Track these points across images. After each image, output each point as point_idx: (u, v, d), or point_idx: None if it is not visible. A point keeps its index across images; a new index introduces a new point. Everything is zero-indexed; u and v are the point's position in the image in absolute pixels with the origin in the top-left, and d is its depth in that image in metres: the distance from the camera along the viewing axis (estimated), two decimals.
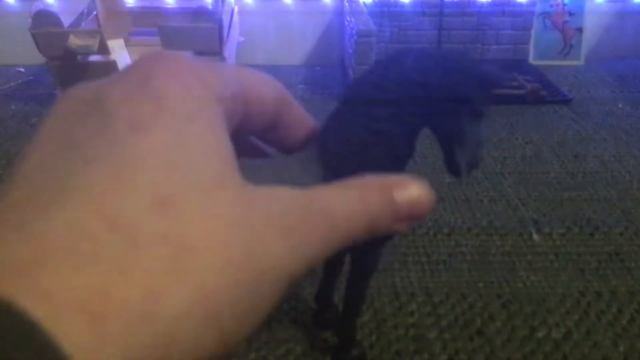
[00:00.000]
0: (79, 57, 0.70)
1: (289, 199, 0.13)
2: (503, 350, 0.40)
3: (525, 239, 0.52)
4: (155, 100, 0.12)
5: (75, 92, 0.13)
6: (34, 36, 0.68)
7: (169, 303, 0.10)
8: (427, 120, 0.23)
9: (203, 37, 0.71)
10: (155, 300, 0.10)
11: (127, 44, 0.84)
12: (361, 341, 0.40)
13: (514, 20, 0.91)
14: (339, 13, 0.95)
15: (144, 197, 0.11)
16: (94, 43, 0.68)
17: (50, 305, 0.09)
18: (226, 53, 0.75)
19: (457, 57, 0.22)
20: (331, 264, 0.38)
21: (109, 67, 0.71)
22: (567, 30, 0.97)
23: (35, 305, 0.09)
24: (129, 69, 0.14)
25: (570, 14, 0.96)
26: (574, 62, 0.97)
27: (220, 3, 0.75)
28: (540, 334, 0.41)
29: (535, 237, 0.52)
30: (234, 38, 0.85)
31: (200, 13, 0.70)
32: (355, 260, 0.33)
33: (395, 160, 0.24)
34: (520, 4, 0.91)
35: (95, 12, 0.79)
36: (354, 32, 0.78)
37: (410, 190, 0.15)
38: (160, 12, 0.87)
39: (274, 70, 0.91)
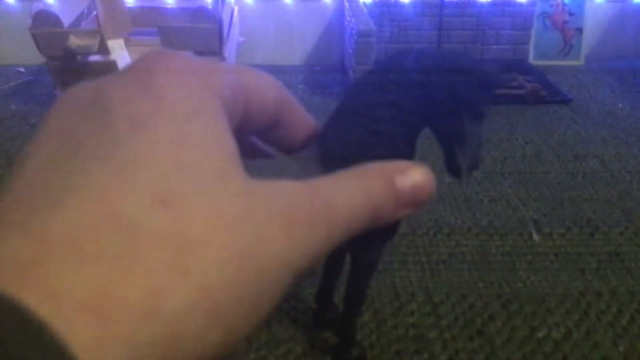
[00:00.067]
0: (79, 57, 0.70)
1: (291, 192, 0.13)
2: (503, 350, 0.40)
3: (525, 239, 0.52)
4: (156, 98, 0.12)
5: (75, 91, 0.13)
6: (34, 36, 0.68)
7: (172, 301, 0.10)
8: (428, 121, 0.23)
9: (203, 37, 0.71)
10: (158, 298, 0.10)
11: (127, 44, 0.84)
12: (361, 341, 0.40)
13: (514, 20, 0.91)
14: (339, 13, 0.95)
15: (145, 195, 0.11)
16: (94, 43, 0.68)
17: (54, 304, 0.09)
18: (226, 53, 0.75)
19: (457, 57, 0.22)
20: (331, 263, 0.38)
21: (109, 67, 0.71)
22: (567, 30, 0.96)
23: (39, 304, 0.09)
24: (129, 67, 0.14)
25: (570, 14, 0.96)
26: (574, 62, 0.97)
27: (220, 3, 0.75)
28: (540, 334, 0.41)
29: (535, 237, 0.52)
30: (234, 38, 0.85)
31: (200, 13, 0.70)
32: (356, 260, 0.33)
33: None
34: (520, 4, 0.91)
35: (95, 12, 0.79)
36: (354, 32, 0.78)
37: (412, 175, 0.15)
38: (160, 12, 0.87)
39: (274, 70, 0.91)
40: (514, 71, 0.87)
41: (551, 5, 0.95)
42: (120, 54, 0.76)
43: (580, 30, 0.97)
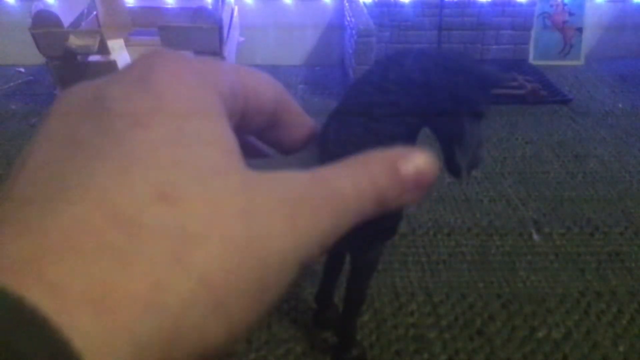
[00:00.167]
0: (78, 57, 0.70)
1: (293, 182, 0.13)
2: (503, 350, 0.40)
3: (525, 239, 0.52)
4: (155, 97, 0.13)
5: (75, 91, 0.13)
6: (34, 36, 0.68)
7: (174, 294, 0.10)
8: (427, 121, 0.23)
9: (203, 37, 0.71)
10: (160, 291, 0.10)
11: (127, 44, 0.84)
12: (361, 341, 0.40)
13: (514, 20, 0.91)
14: (339, 13, 0.95)
15: (145, 191, 0.11)
16: (94, 43, 0.68)
17: (56, 299, 0.09)
18: (226, 53, 0.75)
19: (457, 57, 0.22)
20: (331, 263, 0.38)
21: (109, 67, 0.71)
22: (567, 30, 0.96)
23: (41, 299, 0.09)
24: (128, 67, 0.14)
25: (570, 14, 0.96)
26: (574, 62, 0.97)
27: (220, 3, 0.75)
28: (540, 334, 0.41)
29: (535, 237, 0.52)
30: (234, 38, 0.85)
31: (200, 13, 0.70)
32: (356, 260, 0.33)
33: None
34: (520, 4, 0.91)
35: (95, 12, 0.79)
36: (354, 32, 0.78)
37: (415, 160, 0.15)
38: (160, 12, 0.87)
39: (274, 70, 0.92)
40: (514, 71, 0.87)
41: (551, 5, 0.95)
42: (120, 54, 0.76)
43: (580, 30, 0.97)
